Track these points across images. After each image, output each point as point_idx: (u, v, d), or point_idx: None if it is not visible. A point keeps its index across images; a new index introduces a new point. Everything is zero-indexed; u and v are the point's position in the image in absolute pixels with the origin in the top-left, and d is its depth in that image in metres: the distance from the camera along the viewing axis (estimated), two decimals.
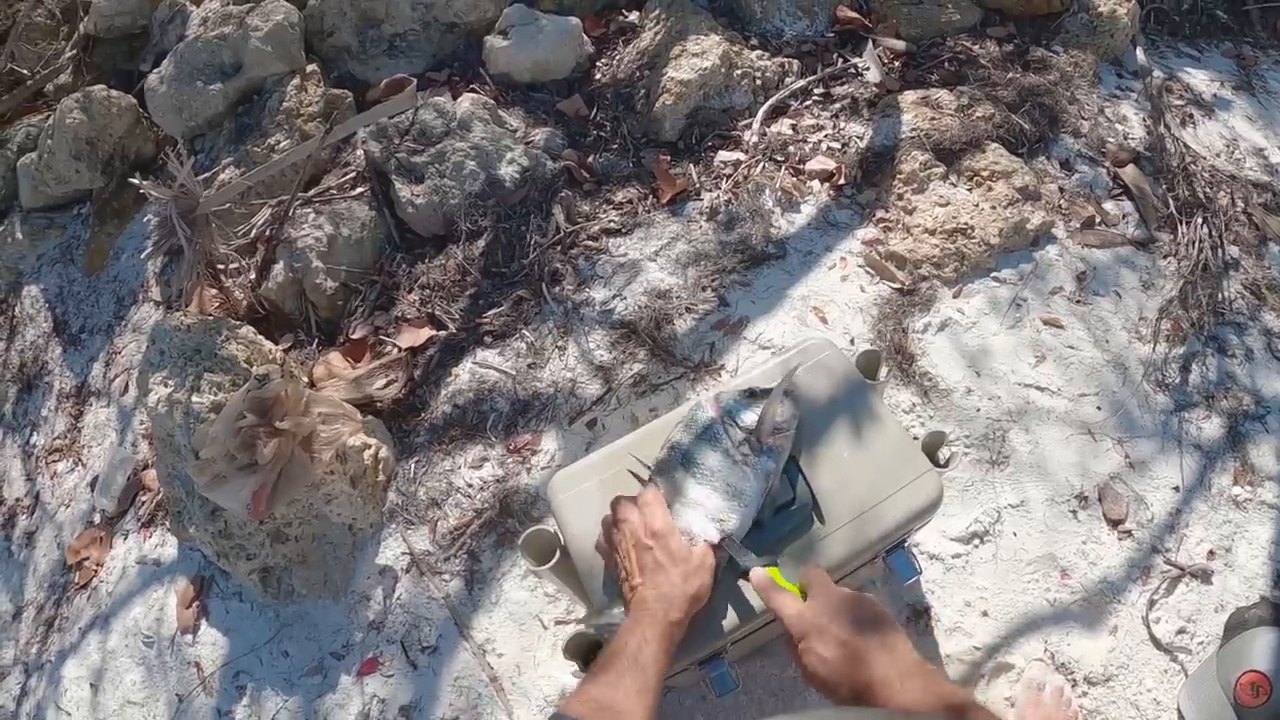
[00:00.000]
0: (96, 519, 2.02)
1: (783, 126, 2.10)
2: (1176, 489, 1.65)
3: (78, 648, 1.83)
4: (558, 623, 1.54)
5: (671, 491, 1.12)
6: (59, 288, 2.47)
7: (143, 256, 2.09)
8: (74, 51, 2.71)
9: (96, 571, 1.94)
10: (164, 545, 1.87)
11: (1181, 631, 1.51)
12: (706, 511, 1.10)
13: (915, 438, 1.43)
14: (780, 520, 1.13)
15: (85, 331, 2.37)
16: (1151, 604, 1.53)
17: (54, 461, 2.22)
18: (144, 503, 1.96)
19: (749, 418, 1.16)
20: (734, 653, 1.25)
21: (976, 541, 1.56)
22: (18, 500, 2.22)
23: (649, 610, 0.96)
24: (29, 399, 2.37)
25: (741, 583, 1.09)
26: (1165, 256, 1.96)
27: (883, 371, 1.32)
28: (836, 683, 0.87)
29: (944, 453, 1.27)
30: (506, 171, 1.97)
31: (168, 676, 1.71)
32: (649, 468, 1.18)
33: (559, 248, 1.91)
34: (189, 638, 1.72)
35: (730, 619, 1.08)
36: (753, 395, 1.18)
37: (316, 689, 1.59)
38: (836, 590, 0.95)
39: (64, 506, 2.10)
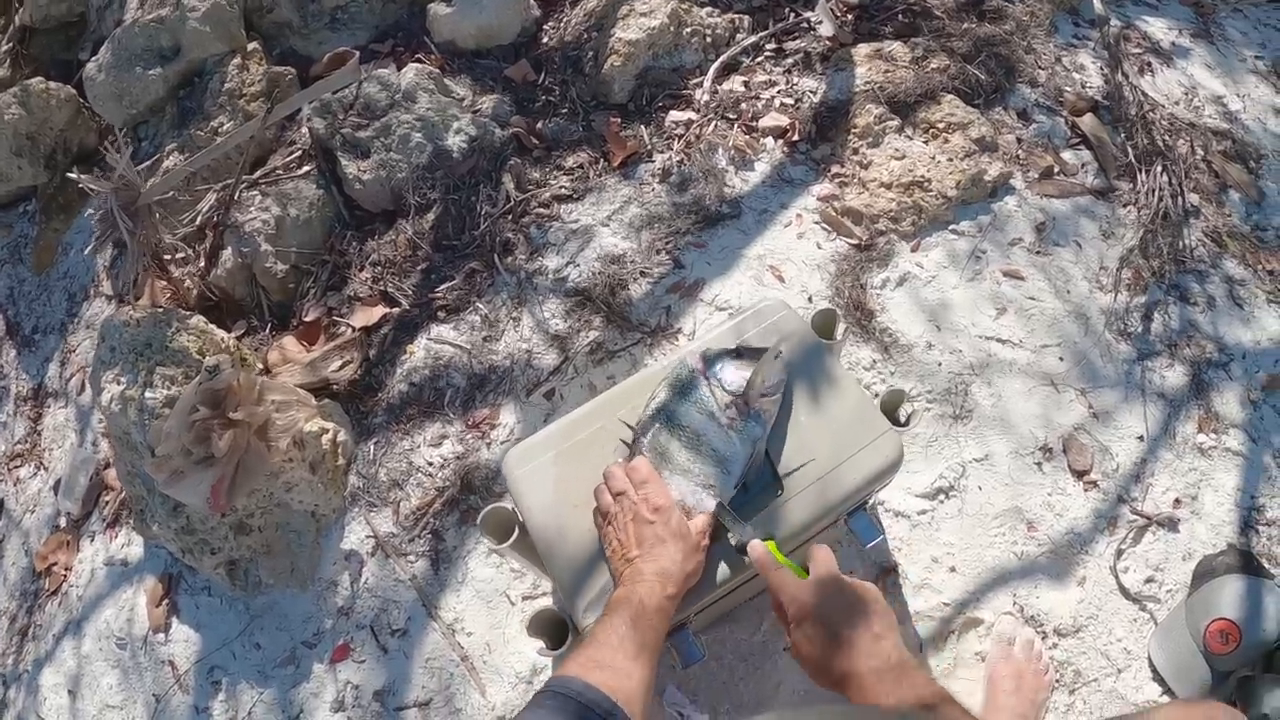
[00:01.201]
0: (62, 523, 1.98)
1: (734, 84, 2.07)
2: (1141, 438, 1.65)
3: (53, 655, 1.81)
4: (525, 598, 1.53)
5: (658, 457, 1.11)
6: (9, 288, 2.41)
7: (86, 252, 2.03)
8: (10, 44, 2.62)
9: (66, 576, 1.91)
10: (130, 545, 1.84)
11: (1150, 580, 1.52)
12: (696, 479, 1.09)
13: (876, 395, 1.42)
14: (740, 495, 1.12)
15: (38, 332, 2.32)
16: (1119, 554, 1.54)
17: (16, 467, 2.18)
18: (107, 503, 1.93)
19: (735, 379, 1.14)
20: (699, 622, 1.25)
21: (942, 497, 1.56)
22: None
23: (646, 581, 0.96)
24: None
25: (724, 564, 1.08)
26: (1125, 205, 1.95)
27: (840, 329, 1.30)
28: (821, 667, 0.89)
29: (904, 410, 1.26)
30: (454, 142, 1.92)
31: (143, 677, 1.68)
32: (634, 429, 1.16)
33: (510, 217, 1.88)
34: (161, 636, 1.70)
35: (699, 590, 1.07)
36: (739, 355, 1.17)
37: (290, 679, 1.58)
38: (838, 576, 0.95)
39: (29, 512, 2.07)
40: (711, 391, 1.14)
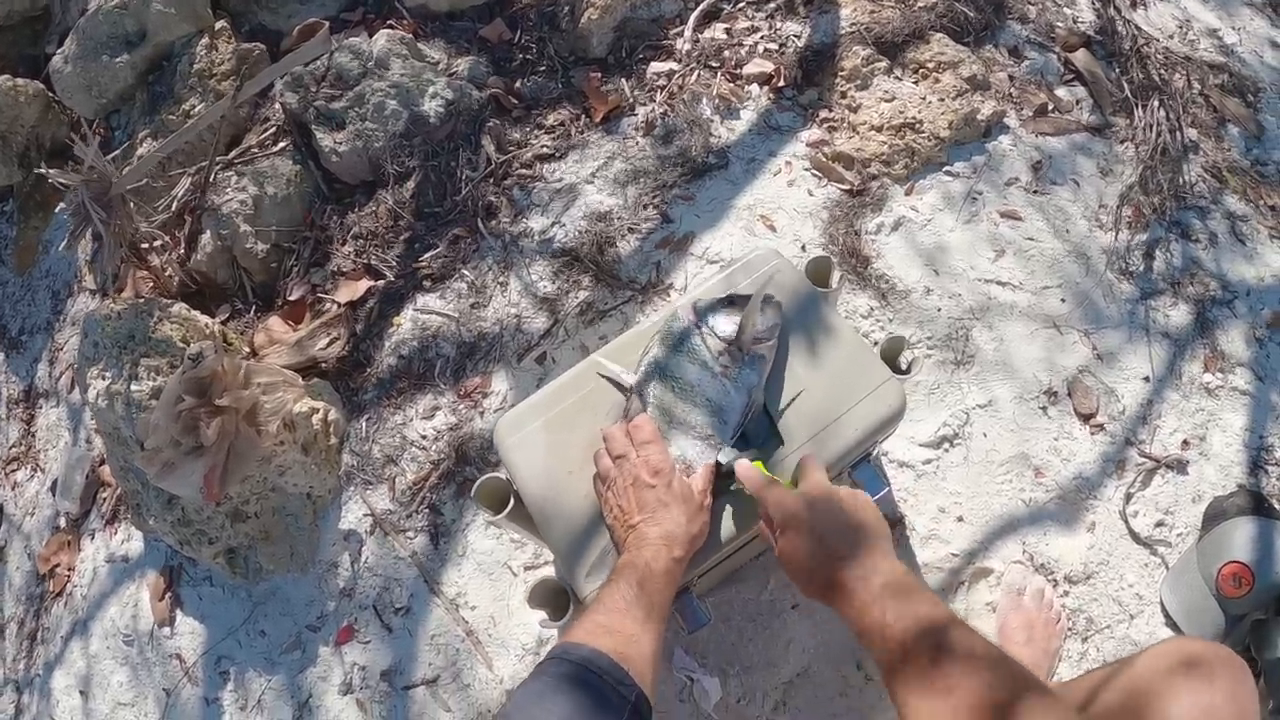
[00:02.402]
0: (62, 523, 1.97)
1: (716, 31, 2.01)
2: (1147, 379, 1.62)
3: (62, 657, 1.80)
4: (527, 569, 1.51)
5: (657, 412, 1.08)
6: None
7: (61, 248, 1.99)
8: None
9: (69, 577, 1.89)
10: (130, 540, 1.82)
11: (1160, 524, 1.49)
12: (695, 431, 1.06)
13: (875, 343, 1.38)
14: (740, 444, 1.09)
15: (25, 332, 2.29)
16: (1128, 498, 1.51)
17: (12, 471, 2.16)
18: (105, 499, 1.91)
19: (727, 327, 1.11)
20: (704, 584, 1.22)
21: (946, 445, 1.53)
22: None
23: (651, 544, 0.93)
24: None
25: (728, 522, 1.05)
26: (1122, 142, 1.91)
27: (835, 277, 1.26)
28: (808, 576, 0.87)
29: (905, 358, 1.23)
30: (430, 107, 1.87)
31: (152, 672, 1.67)
32: (626, 388, 1.13)
33: (492, 180, 1.83)
34: (167, 630, 1.69)
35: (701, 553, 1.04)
36: (730, 302, 1.13)
37: (297, 664, 1.56)
38: (826, 484, 0.93)
39: (29, 515, 2.05)
40: (704, 341, 1.11)
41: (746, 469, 0.98)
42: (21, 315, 2.31)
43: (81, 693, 1.73)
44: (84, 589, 1.83)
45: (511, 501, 1.15)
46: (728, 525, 1.05)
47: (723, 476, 1.05)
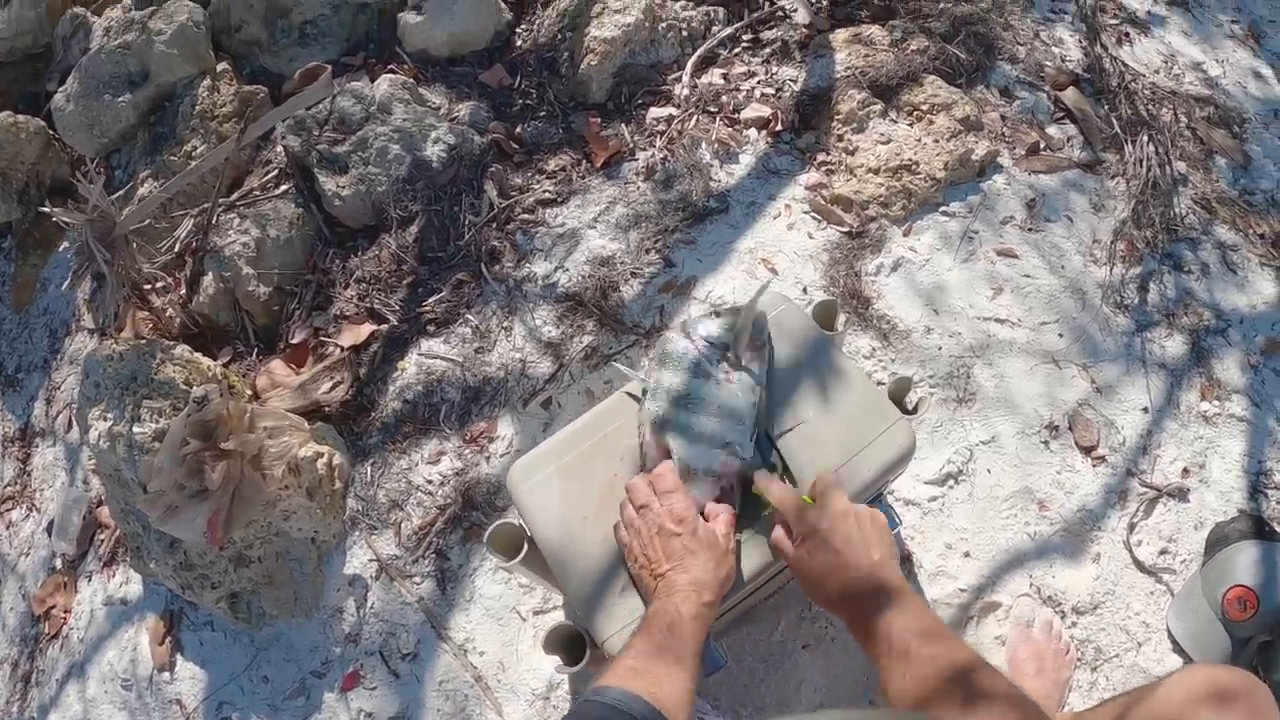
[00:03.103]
0: (58, 564, 1.94)
1: (713, 77, 2.04)
2: (1145, 410, 1.65)
3: (58, 701, 1.77)
4: (536, 613, 1.50)
5: (678, 434, 1.09)
6: None
7: (64, 287, 1.99)
8: None
9: (65, 619, 1.87)
10: (129, 583, 1.80)
11: (1164, 552, 1.51)
12: (715, 442, 1.08)
13: (880, 383, 1.40)
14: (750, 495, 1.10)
15: (21, 370, 2.27)
16: (1131, 528, 1.53)
17: (7, 510, 2.13)
18: (102, 541, 1.89)
19: (717, 331, 1.14)
20: (717, 626, 1.22)
21: (951, 482, 1.55)
22: None
23: (680, 591, 0.94)
24: None
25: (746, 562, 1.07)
26: (1114, 177, 1.95)
27: (840, 320, 1.28)
28: (819, 585, 0.91)
29: (912, 397, 1.24)
30: (432, 151, 1.89)
31: (151, 718, 1.65)
32: (642, 380, 1.17)
33: (494, 225, 1.84)
34: (166, 675, 1.67)
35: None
36: (716, 314, 1.17)
37: (302, 711, 1.55)
38: (843, 501, 0.96)
39: (23, 556, 2.02)
40: (701, 354, 1.14)
41: (765, 477, 1.02)
42: (18, 353, 2.30)
43: None
44: (81, 631, 1.81)
45: (525, 548, 1.15)
46: (747, 564, 1.06)
47: (745, 494, 1.08)
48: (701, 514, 1.04)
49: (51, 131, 2.35)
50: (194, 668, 1.65)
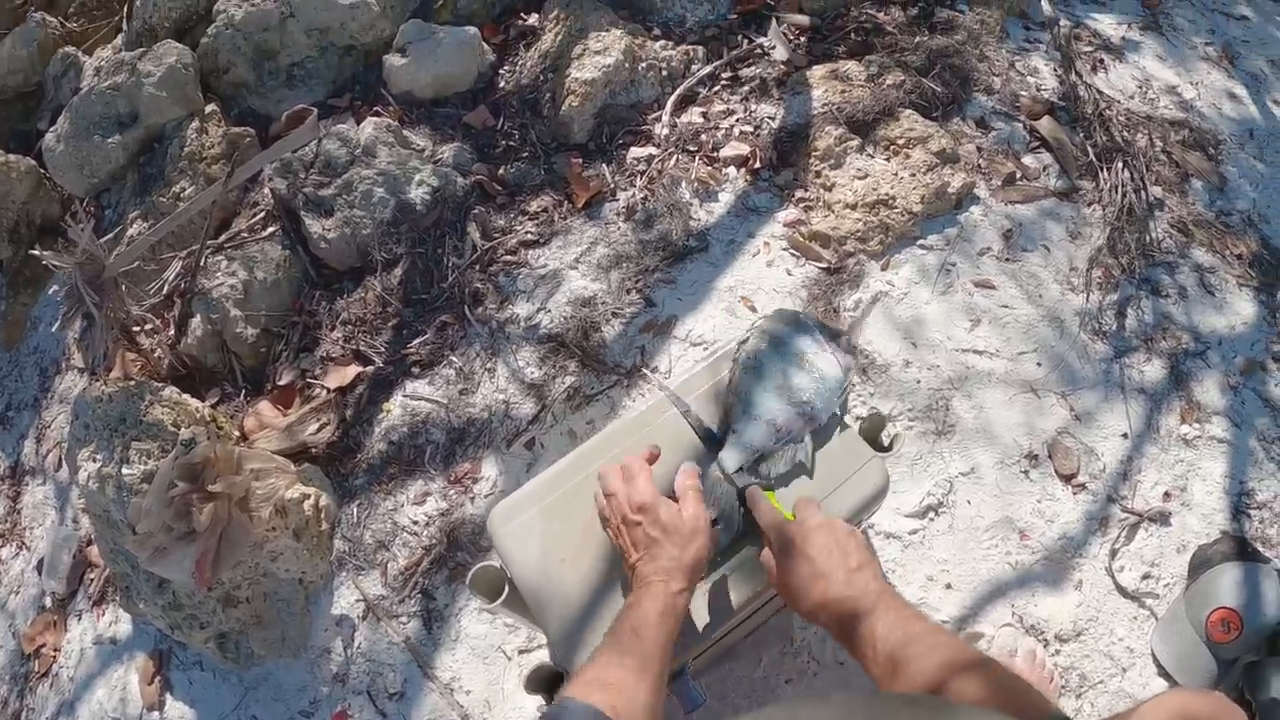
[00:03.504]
0: (48, 602, 1.95)
1: (693, 115, 2.07)
2: (1125, 436, 1.67)
3: None
4: (521, 652, 1.51)
5: (753, 375, 1.18)
6: None
7: (54, 329, 2.01)
8: None
9: (55, 657, 1.87)
10: (118, 622, 1.81)
11: (1146, 577, 1.53)
12: (796, 397, 1.16)
13: (859, 418, 1.41)
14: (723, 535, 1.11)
15: (12, 409, 2.28)
16: (1114, 554, 1.54)
17: None
18: (92, 580, 1.90)
19: (834, 325, 1.26)
20: (698, 664, 1.23)
21: (931, 515, 1.56)
22: None
23: (649, 585, 0.95)
24: None
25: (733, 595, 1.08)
26: (1090, 204, 1.97)
27: (888, 433, 1.31)
28: (799, 596, 0.93)
29: (887, 434, 1.25)
30: (416, 194, 1.92)
31: None
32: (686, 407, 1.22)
33: (477, 266, 1.87)
34: (156, 714, 1.67)
35: (702, 625, 1.06)
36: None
37: None
38: (819, 515, 1.00)
39: (13, 594, 2.03)
40: (814, 331, 1.24)
41: (757, 495, 1.05)
42: (8, 391, 2.31)
43: None
44: (70, 670, 1.81)
45: (506, 590, 1.17)
46: (736, 595, 1.08)
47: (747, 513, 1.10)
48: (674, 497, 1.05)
49: (42, 171, 2.38)
50: (183, 707, 1.66)
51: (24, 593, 2.00)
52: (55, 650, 1.89)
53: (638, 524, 1.00)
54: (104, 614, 1.84)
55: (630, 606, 0.94)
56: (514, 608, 1.18)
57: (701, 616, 1.07)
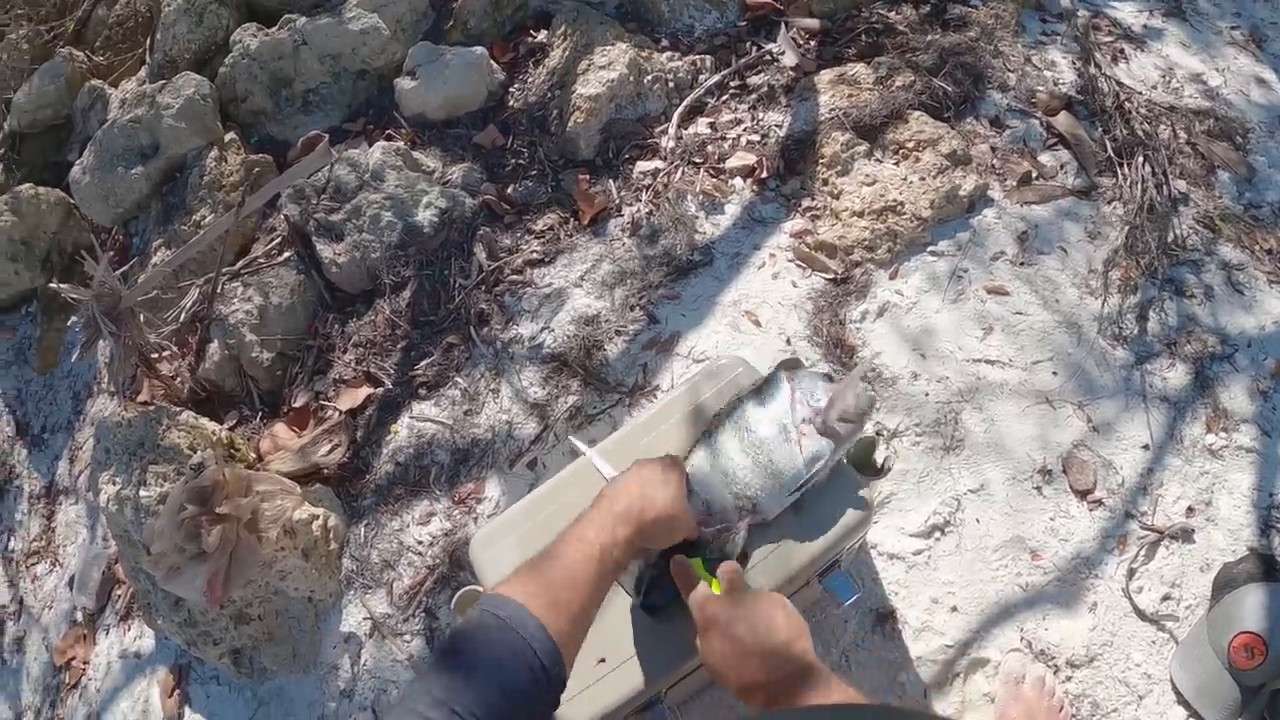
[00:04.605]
0: (79, 617, 2.02)
1: (700, 126, 2.05)
2: (1146, 447, 1.60)
3: None
4: None
5: (712, 453, 1.11)
6: (16, 389, 2.47)
7: (74, 359, 2.08)
8: (1, 151, 2.70)
9: (84, 670, 1.94)
10: (143, 636, 1.87)
11: (1167, 598, 1.46)
12: (738, 489, 1.08)
13: (861, 437, 1.38)
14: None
15: (47, 430, 2.37)
16: (1131, 573, 1.48)
17: (33, 564, 2.22)
18: (119, 596, 1.96)
19: (821, 397, 1.12)
20: (675, 695, 1.22)
21: (937, 534, 1.52)
22: (3, 607, 2.22)
23: (622, 506, 0.95)
24: (2, 504, 2.37)
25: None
26: (1109, 202, 1.90)
27: (880, 454, 1.27)
28: (725, 676, 0.88)
29: (879, 455, 1.23)
30: (424, 216, 1.94)
31: None
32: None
33: (483, 287, 1.88)
34: None
35: (668, 662, 1.06)
36: (829, 379, 1.15)
37: None
38: (743, 591, 0.94)
39: (47, 608, 2.10)
40: (793, 405, 1.12)
41: (681, 563, 1.00)
42: (44, 413, 2.39)
43: None
44: (98, 682, 1.87)
45: None
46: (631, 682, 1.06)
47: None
48: None
49: (71, 201, 2.46)
50: (201, 719, 1.70)
51: (57, 607, 2.08)
52: (84, 663, 1.95)
53: (642, 464, 1.02)
54: (129, 629, 1.90)
55: (595, 518, 0.94)
56: None
57: (678, 643, 1.04)
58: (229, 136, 2.22)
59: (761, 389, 1.15)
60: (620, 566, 0.92)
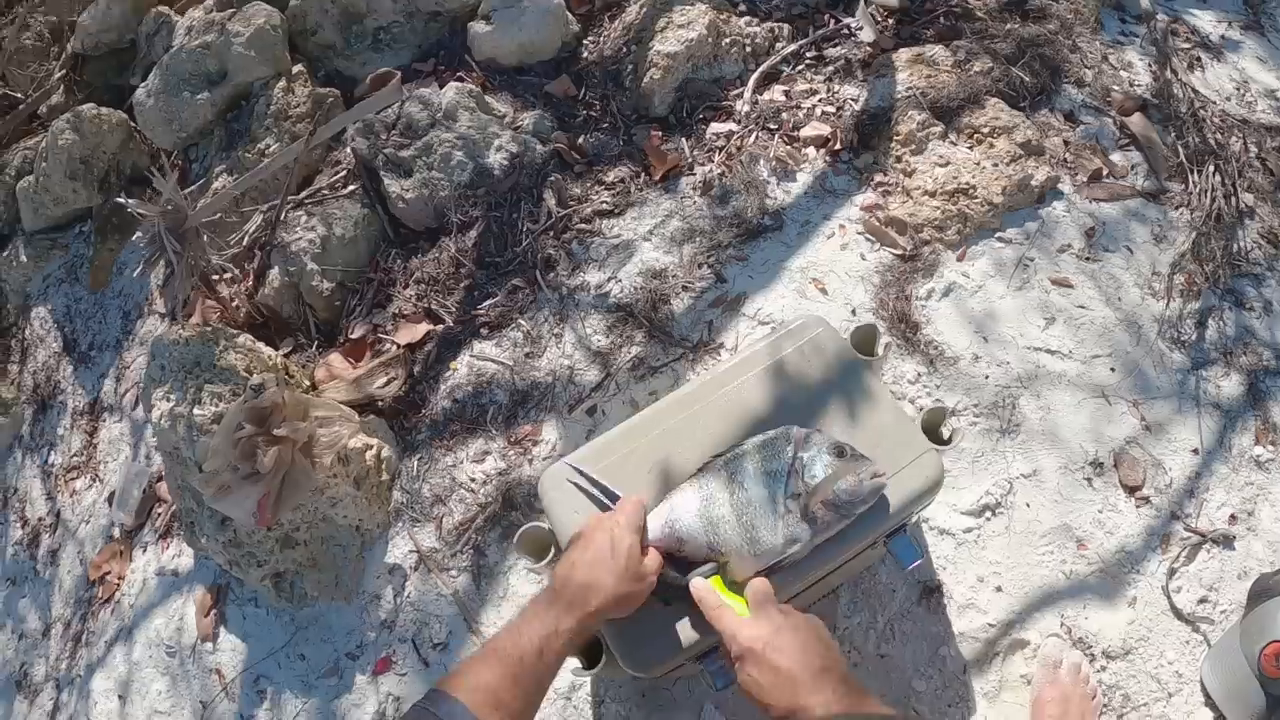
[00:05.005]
0: (116, 533, 2.04)
1: (775, 94, 2.04)
2: (1195, 451, 1.61)
3: (104, 661, 1.87)
4: None
5: (701, 493, 1.08)
6: (66, 306, 2.49)
7: (135, 275, 2.08)
8: (64, 71, 2.71)
9: (118, 585, 1.97)
10: (181, 555, 1.89)
11: (1203, 601, 1.48)
12: (713, 545, 1.04)
13: (921, 409, 1.39)
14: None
15: (94, 348, 2.39)
16: (1172, 573, 1.49)
17: (72, 479, 2.24)
18: (160, 514, 1.98)
19: (819, 473, 1.06)
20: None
21: (988, 514, 1.53)
22: (40, 519, 2.25)
23: (568, 595, 0.95)
24: (44, 419, 2.40)
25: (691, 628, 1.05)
26: (1177, 208, 1.90)
27: (881, 345, 1.27)
28: (768, 705, 0.86)
29: (946, 428, 1.23)
30: (495, 159, 1.94)
31: (191, 685, 1.73)
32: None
33: (551, 233, 1.88)
34: (209, 645, 1.74)
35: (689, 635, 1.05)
36: (840, 453, 1.08)
37: (333, 690, 1.60)
38: (776, 612, 0.93)
39: (84, 523, 2.13)
40: (789, 476, 1.06)
41: (700, 587, 0.98)
42: (92, 331, 2.41)
43: (120, 697, 1.79)
44: (132, 598, 1.90)
45: (553, 551, 1.18)
46: (689, 633, 1.05)
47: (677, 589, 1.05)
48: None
49: (132, 124, 2.47)
50: (235, 640, 1.73)
51: (94, 523, 2.10)
52: (119, 578, 1.98)
53: (606, 531, 1.00)
54: (168, 547, 1.92)
55: (542, 612, 0.94)
56: None
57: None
58: (297, 68, 2.22)
59: (766, 443, 1.10)
60: (563, 656, 0.94)
